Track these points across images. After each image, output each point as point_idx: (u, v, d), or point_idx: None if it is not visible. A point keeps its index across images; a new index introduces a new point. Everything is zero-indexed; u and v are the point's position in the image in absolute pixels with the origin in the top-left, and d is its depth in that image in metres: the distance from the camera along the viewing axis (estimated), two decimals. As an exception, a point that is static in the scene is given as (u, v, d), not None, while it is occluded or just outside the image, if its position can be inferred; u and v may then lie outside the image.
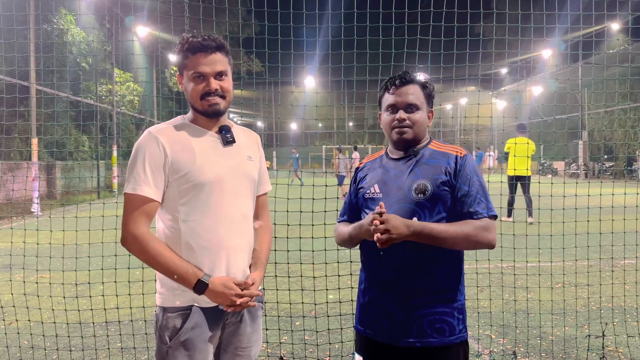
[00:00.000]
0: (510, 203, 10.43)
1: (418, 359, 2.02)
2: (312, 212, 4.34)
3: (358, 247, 2.24)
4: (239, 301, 1.96)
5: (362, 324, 2.16)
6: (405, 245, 1.97)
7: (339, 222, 2.35)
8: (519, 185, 10.78)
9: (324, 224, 4.30)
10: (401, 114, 2.13)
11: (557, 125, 20.17)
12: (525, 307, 5.00)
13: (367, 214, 2.09)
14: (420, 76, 2.20)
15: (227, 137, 2.09)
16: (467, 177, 2.04)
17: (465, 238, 1.96)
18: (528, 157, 10.72)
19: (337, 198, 4.92)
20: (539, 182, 5.32)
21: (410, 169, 2.10)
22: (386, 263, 2.06)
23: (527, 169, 10.80)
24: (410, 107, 2.14)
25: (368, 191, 2.17)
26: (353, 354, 4.05)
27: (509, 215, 10.20)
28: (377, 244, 1.92)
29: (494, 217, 2.03)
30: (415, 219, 1.98)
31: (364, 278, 2.18)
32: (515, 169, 10.47)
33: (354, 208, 2.29)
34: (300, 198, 4.46)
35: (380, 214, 1.93)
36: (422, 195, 2.03)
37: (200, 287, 1.93)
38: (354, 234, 2.13)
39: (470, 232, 1.96)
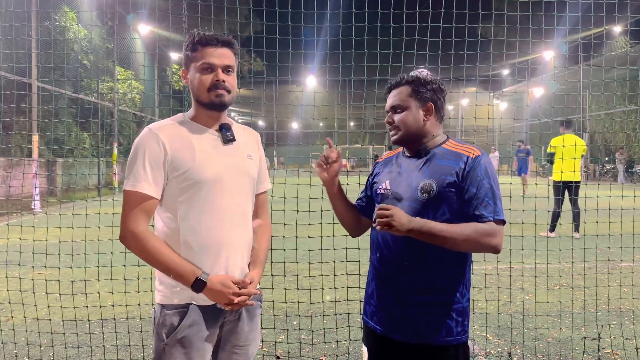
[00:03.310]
0: (556, 217, 9.07)
1: (413, 355, 2.04)
2: (309, 211, 4.33)
3: (363, 247, 2.27)
4: (237, 300, 1.96)
5: (366, 314, 2.22)
6: (406, 243, 1.99)
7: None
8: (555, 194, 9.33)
9: (321, 223, 4.29)
10: (388, 117, 2.20)
11: (557, 127, 20.14)
12: (521, 309, 4.99)
13: None
14: (414, 73, 2.18)
15: (227, 135, 2.09)
16: (477, 179, 1.99)
17: (465, 240, 1.93)
18: (577, 158, 9.19)
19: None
20: (536, 184, 5.30)
21: (420, 167, 2.10)
22: (387, 259, 2.09)
23: (577, 171, 9.30)
24: (394, 109, 2.18)
25: (380, 187, 2.21)
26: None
27: (552, 229, 9.02)
28: (375, 223, 1.93)
29: (501, 221, 1.98)
30: (418, 218, 1.98)
31: (369, 271, 2.24)
32: (562, 172, 8.91)
33: (366, 199, 2.37)
34: (297, 197, 4.46)
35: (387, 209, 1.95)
36: (426, 195, 2.02)
37: (198, 285, 1.93)
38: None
39: (471, 235, 1.92)
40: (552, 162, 9.59)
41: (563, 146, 9.26)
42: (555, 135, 9.99)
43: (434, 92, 2.15)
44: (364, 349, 2.23)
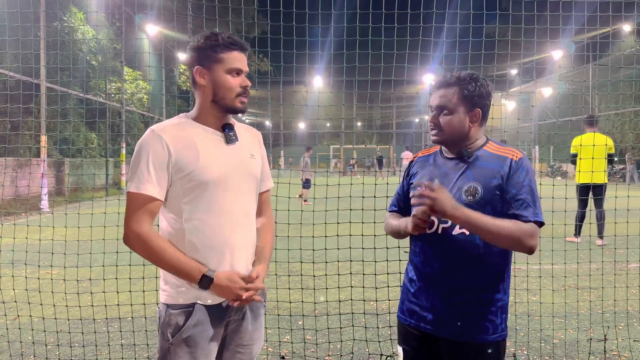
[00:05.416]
0: (580, 219, 8.39)
1: (457, 351, 2.07)
2: (313, 211, 4.34)
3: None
4: (244, 295, 1.96)
5: (404, 313, 2.22)
6: (449, 244, 2.02)
7: (389, 211, 2.39)
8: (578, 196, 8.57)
9: (325, 223, 4.30)
10: (430, 116, 2.17)
11: (566, 127, 20.02)
12: (527, 310, 4.96)
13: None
14: (465, 75, 2.13)
15: (230, 135, 2.09)
16: (519, 180, 2.01)
17: (508, 236, 1.94)
18: (595, 157, 8.34)
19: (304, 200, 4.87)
20: (540, 184, 5.27)
21: (462, 170, 2.10)
22: (430, 260, 2.10)
23: (598, 172, 8.40)
24: (439, 109, 2.14)
25: (418, 188, 2.19)
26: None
27: (578, 233, 8.26)
28: (415, 220, 1.97)
29: (540, 223, 2.00)
30: (463, 207, 1.98)
31: (411, 269, 2.22)
32: (592, 171, 8.24)
33: (404, 200, 2.32)
34: (301, 197, 4.46)
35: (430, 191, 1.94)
36: (471, 198, 2.03)
37: (205, 282, 1.94)
38: (402, 228, 2.16)
39: (514, 232, 1.94)
40: (574, 163, 9.09)
41: (581, 145, 8.69)
42: (567, 135, 9.69)
43: (483, 97, 2.12)
44: (399, 349, 2.25)
